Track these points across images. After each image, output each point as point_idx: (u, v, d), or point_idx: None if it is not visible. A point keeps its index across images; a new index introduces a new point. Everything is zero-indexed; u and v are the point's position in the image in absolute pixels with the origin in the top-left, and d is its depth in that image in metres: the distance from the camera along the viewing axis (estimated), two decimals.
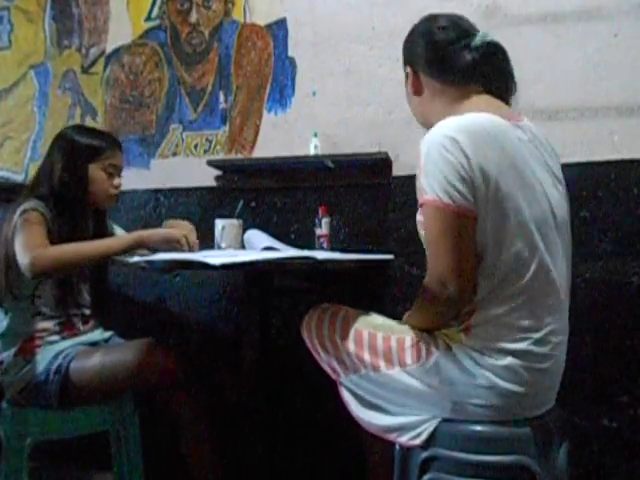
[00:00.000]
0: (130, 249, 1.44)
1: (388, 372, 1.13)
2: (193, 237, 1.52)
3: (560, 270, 1.08)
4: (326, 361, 1.23)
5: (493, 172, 1.01)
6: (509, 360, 1.03)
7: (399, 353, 1.13)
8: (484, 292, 1.05)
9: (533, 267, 1.03)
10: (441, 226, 1.02)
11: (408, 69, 1.24)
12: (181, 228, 1.54)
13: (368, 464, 1.30)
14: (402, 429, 1.11)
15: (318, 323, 1.26)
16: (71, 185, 1.55)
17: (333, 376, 1.23)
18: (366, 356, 1.16)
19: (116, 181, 1.62)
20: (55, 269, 1.38)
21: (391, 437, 1.12)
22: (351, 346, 1.18)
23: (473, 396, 1.05)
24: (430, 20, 1.22)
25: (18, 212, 1.46)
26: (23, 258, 1.35)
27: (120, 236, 1.51)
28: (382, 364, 1.14)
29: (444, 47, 1.17)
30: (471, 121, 1.05)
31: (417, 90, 1.23)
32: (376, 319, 1.25)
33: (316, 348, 1.25)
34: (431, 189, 1.02)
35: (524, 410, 1.07)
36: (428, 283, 1.06)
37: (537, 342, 1.04)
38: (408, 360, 1.11)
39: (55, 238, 1.46)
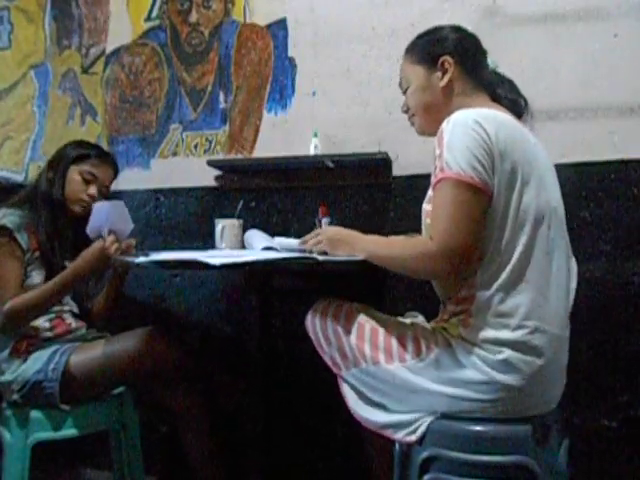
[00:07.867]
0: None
1: (387, 366, 1.14)
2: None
3: (559, 265, 1.11)
4: (329, 354, 1.23)
5: (511, 160, 1.06)
6: (507, 353, 1.04)
7: (399, 349, 1.15)
8: (484, 276, 1.07)
9: (533, 259, 1.07)
10: (460, 199, 1.03)
11: (446, 60, 1.22)
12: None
13: (369, 463, 1.31)
14: (398, 426, 1.12)
15: (322, 316, 1.25)
16: (53, 182, 1.61)
17: (335, 370, 1.22)
18: (367, 349, 1.17)
19: (91, 190, 1.64)
20: (25, 323, 1.50)
21: (387, 433, 1.14)
22: (353, 339, 1.19)
23: (470, 390, 1.07)
24: (453, 25, 1.29)
25: None
26: None
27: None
28: (382, 358, 1.15)
29: (475, 49, 1.25)
30: (494, 113, 1.11)
31: (449, 84, 1.22)
32: (380, 315, 1.26)
33: (319, 341, 1.24)
34: (455, 163, 1.04)
35: (522, 406, 1.07)
36: (434, 252, 1.04)
37: (533, 331, 1.05)
38: (408, 356, 1.13)
39: (38, 238, 1.55)
